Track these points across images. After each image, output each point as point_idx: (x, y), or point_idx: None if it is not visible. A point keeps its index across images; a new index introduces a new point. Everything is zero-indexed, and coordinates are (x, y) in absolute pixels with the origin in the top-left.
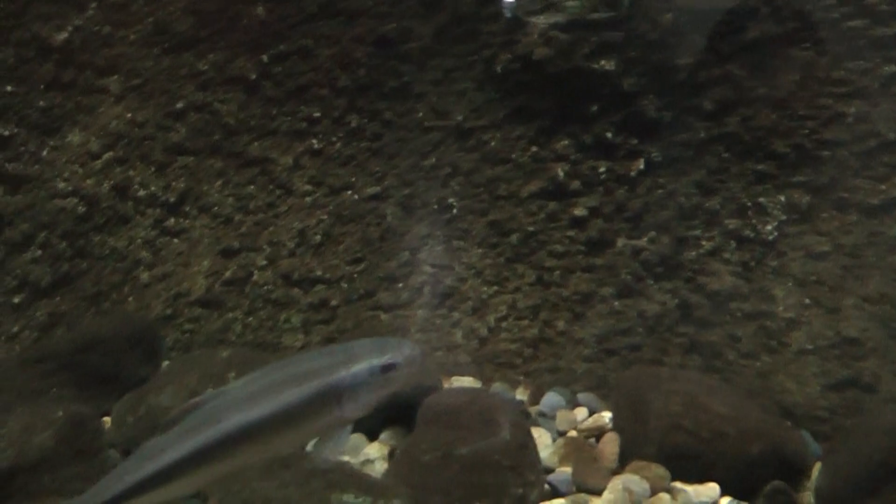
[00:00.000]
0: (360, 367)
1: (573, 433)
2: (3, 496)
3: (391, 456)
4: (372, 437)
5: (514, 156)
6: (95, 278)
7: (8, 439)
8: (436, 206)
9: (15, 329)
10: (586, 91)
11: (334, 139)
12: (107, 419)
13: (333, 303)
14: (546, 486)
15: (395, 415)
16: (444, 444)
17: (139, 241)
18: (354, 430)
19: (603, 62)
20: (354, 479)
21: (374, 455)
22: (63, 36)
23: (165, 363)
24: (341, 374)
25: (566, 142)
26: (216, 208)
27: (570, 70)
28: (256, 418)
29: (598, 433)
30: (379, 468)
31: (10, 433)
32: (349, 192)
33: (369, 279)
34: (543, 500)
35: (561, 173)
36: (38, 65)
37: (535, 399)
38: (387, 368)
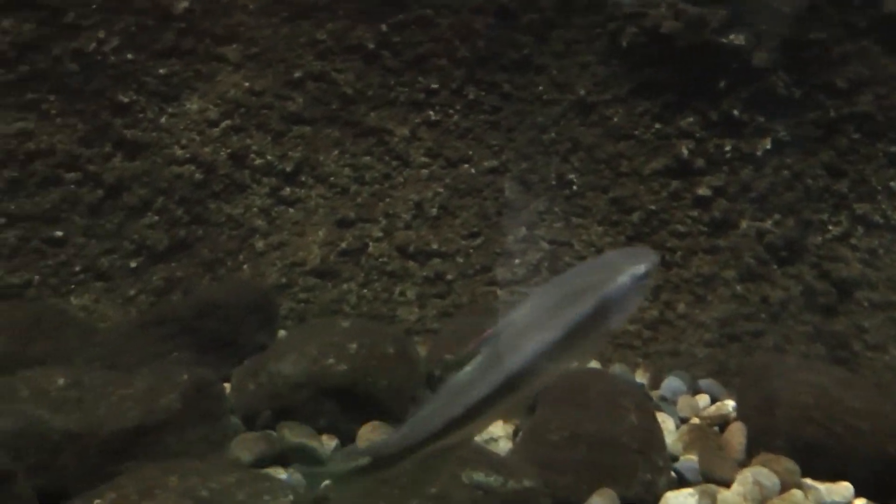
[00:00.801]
0: (624, 277)
1: (696, 420)
2: (128, 455)
3: (515, 435)
4: None
5: (637, 132)
6: (211, 245)
7: (134, 399)
8: (555, 182)
9: (132, 293)
10: (714, 66)
11: (452, 111)
12: (225, 385)
13: (449, 277)
14: (672, 473)
15: None
16: (571, 423)
17: (255, 209)
18: None
19: (733, 36)
20: (484, 457)
21: (498, 433)
22: (184, 4)
23: (281, 332)
24: (610, 287)
25: (691, 118)
26: (332, 178)
27: (698, 44)
28: (552, 342)
29: (722, 422)
30: (503, 446)
31: (135, 393)
32: (466, 165)
33: (485, 254)
34: (671, 489)
35: (685, 151)
36: (159, 33)
37: (655, 383)
38: (643, 277)
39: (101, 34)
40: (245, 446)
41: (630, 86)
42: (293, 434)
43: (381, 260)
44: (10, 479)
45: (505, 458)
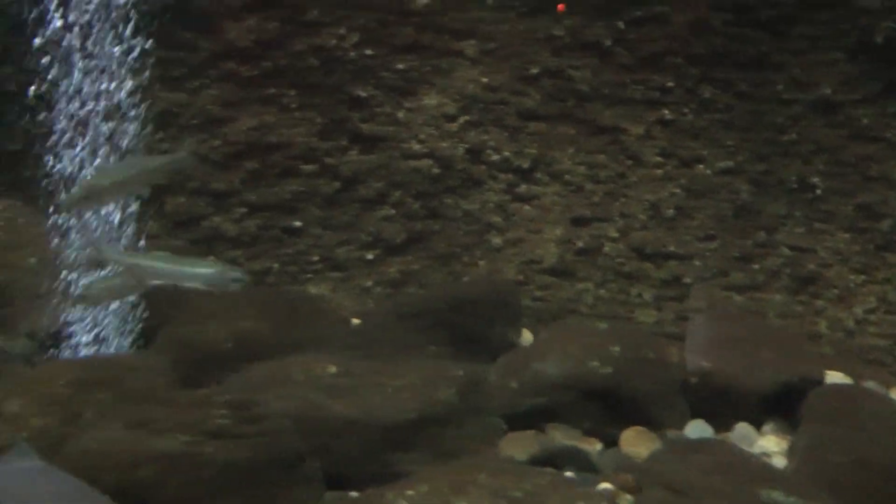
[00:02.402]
0: None
1: None
2: (408, 445)
3: (790, 452)
4: (757, 426)
5: (888, 134)
6: (447, 239)
7: (409, 391)
8: (795, 185)
9: (368, 283)
10: None
11: (686, 110)
12: None
13: (686, 280)
14: None
15: (775, 404)
16: (853, 446)
17: (491, 204)
18: (740, 419)
19: None
20: (775, 474)
21: (771, 448)
22: (424, 0)
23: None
24: None
25: None
26: (567, 176)
27: None
28: None
29: None
30: (778, 462)
31: (412, 385)
32: (701, 166)
33: (722, 258)
34: None
35: None
36: (398, 28)
37: None
38: None
39: (342, 30)
40: (517, 445)
41: (882, 85)
42: (563, 436)
43: (617, 260)
44: (300, 460)
45: (798, 479)
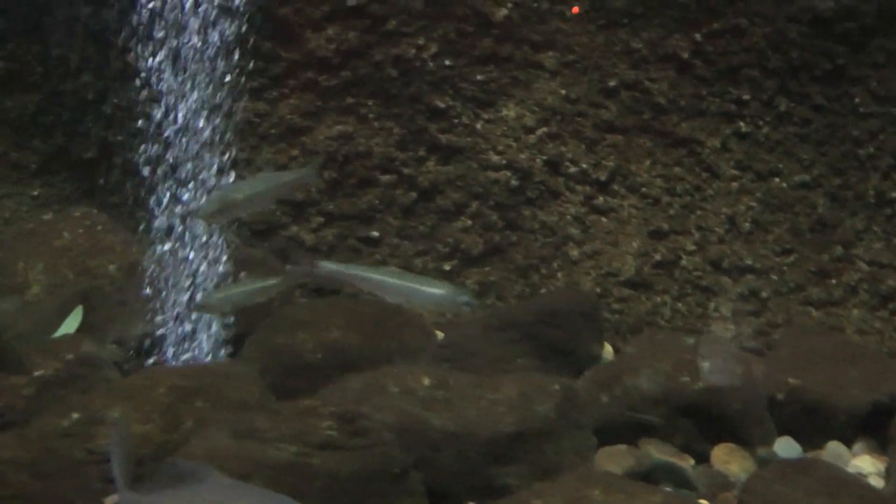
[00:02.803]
0: None
1: None
2: (507, 460)
3: (888, 473)
4: (847, 445)
5: None
6: (525, 251)
7: (506, 405)
8: (873, 200)
9: None
10: None
11: (762, 123)
12: None
13: (763, 294)
14: None
15: (864, 423)
16: None
17: (569, 217)
18: (829, 438)
19: None
20: (883, 497)
21: (867, 469)
22: (503, 12)
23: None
24: None
25: None
26: (644, 189)
27: None
28: None
29: None
30: (875, 484)
31: (508, 399)
32: (777, 179)
33: (800, 272)
34: None
35: None
36: (478, 39)
37: None
38: None
39: (421, 41)
40: (612, 460)
41: None
42: (657, 451)
43: (694, 273)
44: (405, 473)
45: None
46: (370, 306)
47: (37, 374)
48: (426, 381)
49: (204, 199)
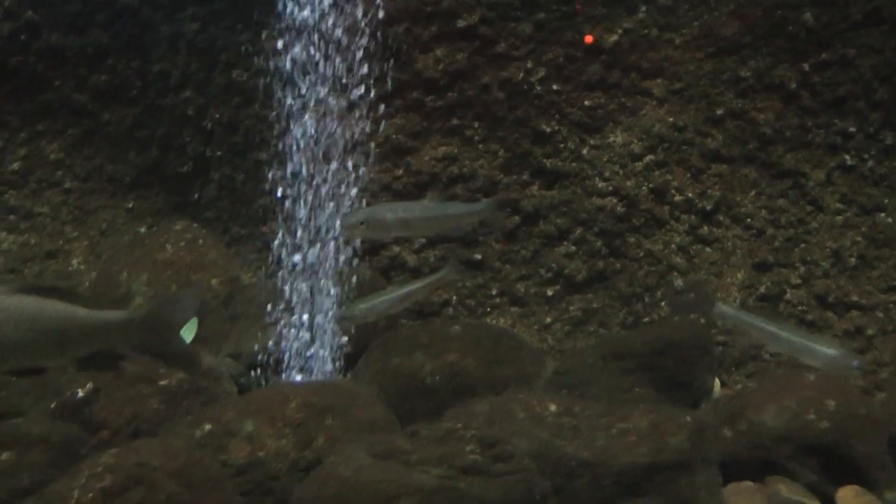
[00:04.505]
0: None
1: None
2: (640, 491)
3: None
4: None
5: None
6: (629, 279)
7: (638, 435)
8: None
9: (547, 320)
10: None
11: (867, 156)
12: None
13: (869, 332)
14: None
15: None
16: None
17: (673, 246)
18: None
19: None
20: None
21: None
22: (613, 38)
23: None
24: None
25: None
26: (749, 220)
27: None
28: None
29: None
30: None
31: (638, 429)
32: (882, 214)
33: None
34: None
35: None
36: (586, 65)
37: None
38: None
39: (529, 64)
40: (742, 497)
41: None
42: (788, 490)
43: (799, 308)
44: (544, 501)
45: None
46: (486, 330)
47: (162, 383)
48: (553, 408)
49: (354, 211)
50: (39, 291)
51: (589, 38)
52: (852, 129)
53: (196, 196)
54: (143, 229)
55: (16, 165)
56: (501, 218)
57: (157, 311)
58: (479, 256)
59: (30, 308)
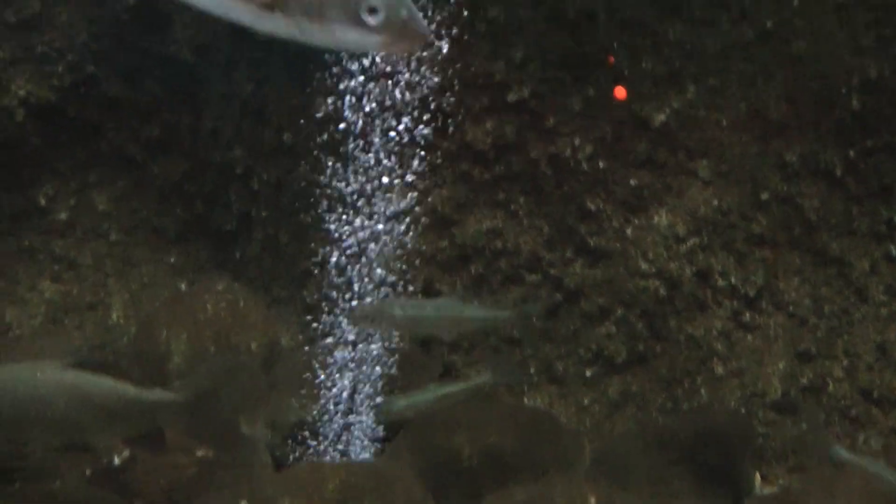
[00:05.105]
0: None
1: None
2: None
3: None
4: None
5: None
6: (670, 363)
7: None
8: None
9: (586, 402)
10: None
11: None
12: None
13: None
14: None
15: None
16: None
17: (715, 331)
18: None
19: None
20: None
21: None
22: (661, 117)
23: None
24: None
25: None
26: (792, 307)
27: None
28: None
29: None
30: None
31: None
32: None
33: None
34: None
35: None
36: (634, 143)
37: None
38: None
39: (577, 140)
40: None
41: None
42: None
43: (842, 402)
44: None
45: None
46: (523, 410)
47: (199, 453)
48: (593, 501)
49: (365, 304)
50: (91, 367)
51: (620, 92)
52: None
53: (238, 254)
54: (183, 285)
55: (63, 215)
56: (530, 328)
57: (207, 393)
58: (517, 333)
59: (82, 385)
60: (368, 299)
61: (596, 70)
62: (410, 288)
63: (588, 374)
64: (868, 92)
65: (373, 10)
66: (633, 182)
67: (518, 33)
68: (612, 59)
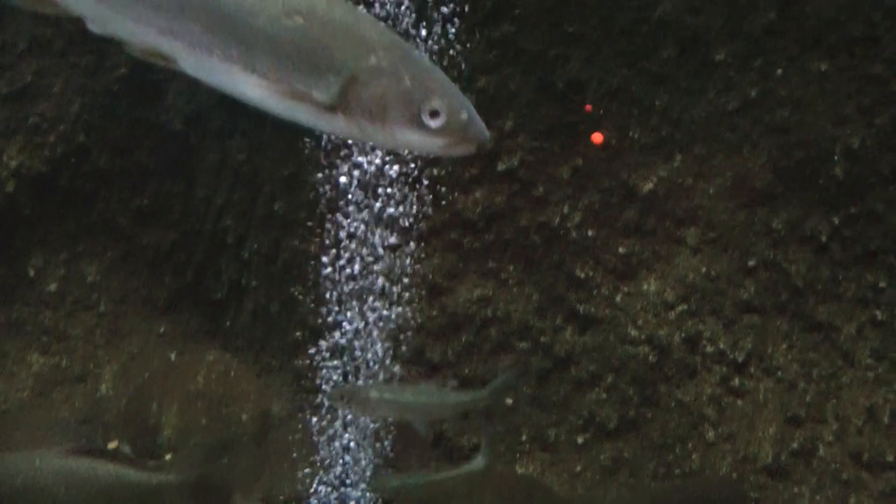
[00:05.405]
0: None
1: None
2: None
3: None
4: None
5: None
6: (661, 429)
7: None
8: None
9: (578, 468)
10: None
11: None
12: None
13: None
14: None
15: None
16: None
17: (705, 397)
18: None
19: None
20: None
21: None
22: (649, 186)
23: None
24: None
25: None
26: (780, 372)
27: None
28: None
29: None
30: None
31: None
32: None
33: None
34: None
35: None
36: (621, 211)
37: None
38: None
39: (566, 209)
40: None
41: None
42: None
43: (833, 466)
44: None
45: None
46: (518, 481)
47: None
48: None
49: (340, 386)
50: (91, 453)
51: (597, 138)
52: (882, 284)
53: (229, 323)
54: (173, 355)
55: (53, 286)
56: (503, 405)
57: (208, 475)
58: (509, 400)
59: (82, 470)
60: (348, 379)
61: (584, 139)
62: (400, 355)
63: (580, 440)
64: (851, 160)
65: (434, 114)
66: (621, 250)
67: (507, 103)
68: (600, 136)
